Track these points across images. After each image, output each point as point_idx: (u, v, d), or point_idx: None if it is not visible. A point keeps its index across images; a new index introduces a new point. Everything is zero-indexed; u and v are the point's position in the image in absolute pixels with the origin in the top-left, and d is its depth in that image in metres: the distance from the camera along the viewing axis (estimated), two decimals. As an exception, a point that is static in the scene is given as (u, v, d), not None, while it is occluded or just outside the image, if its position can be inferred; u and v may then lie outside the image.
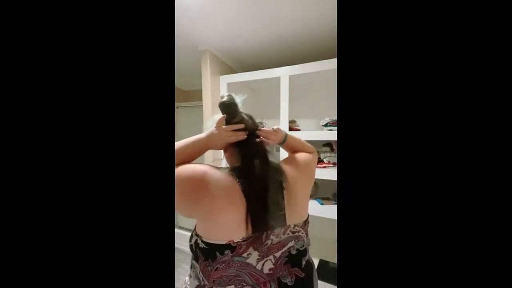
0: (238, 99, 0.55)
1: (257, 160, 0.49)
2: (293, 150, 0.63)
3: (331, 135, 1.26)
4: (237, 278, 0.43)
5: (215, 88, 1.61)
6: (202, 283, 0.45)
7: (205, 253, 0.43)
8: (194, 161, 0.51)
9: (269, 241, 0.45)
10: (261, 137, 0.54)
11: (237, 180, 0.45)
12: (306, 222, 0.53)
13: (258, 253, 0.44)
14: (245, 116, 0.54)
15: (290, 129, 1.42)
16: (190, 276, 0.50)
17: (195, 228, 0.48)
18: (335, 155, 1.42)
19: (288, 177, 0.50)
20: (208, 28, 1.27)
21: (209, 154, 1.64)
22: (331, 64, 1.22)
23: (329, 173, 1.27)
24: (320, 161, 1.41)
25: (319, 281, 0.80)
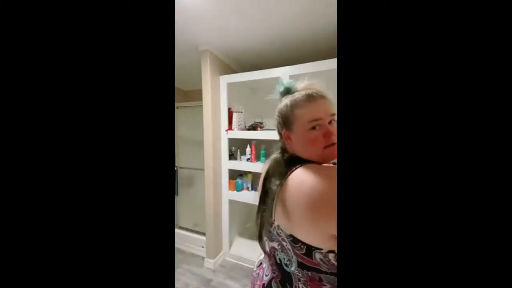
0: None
1: None
2: None
3: (331, 135, 1.26)
4: None
5: (215, 88, 1.61)
6: None
7: None
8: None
9: None
10: None
11: None
12: None
13: None
14: None
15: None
16: None
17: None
18: (335, 155, 1.41)
19: None
20: (208, 28, 1.27)
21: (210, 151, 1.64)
22: (331, 64, 1.22)
23: (329, 173, 1.26)
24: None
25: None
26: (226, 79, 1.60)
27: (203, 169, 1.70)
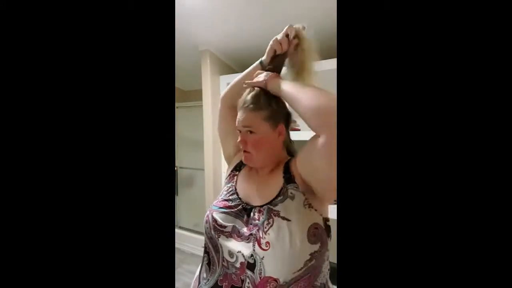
0: None
1: None
2: None
3: (331, 135, 1.25)
4: None
5: (215, 88, 1.61)
6: None
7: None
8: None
9: None
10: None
11: None
12: None
13: None
14: None
15: (291, 129, 1.42)
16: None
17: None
18: (335, 155, 1.41)
19: None
20: (208, 28, 1.27)
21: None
22: (331, 64, 1.22)
23: (329, 173, 1.26)
24: (320, 161, 1.40)
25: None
26: (226, 79, 1.59)
27: (203, 169, 1.69)
